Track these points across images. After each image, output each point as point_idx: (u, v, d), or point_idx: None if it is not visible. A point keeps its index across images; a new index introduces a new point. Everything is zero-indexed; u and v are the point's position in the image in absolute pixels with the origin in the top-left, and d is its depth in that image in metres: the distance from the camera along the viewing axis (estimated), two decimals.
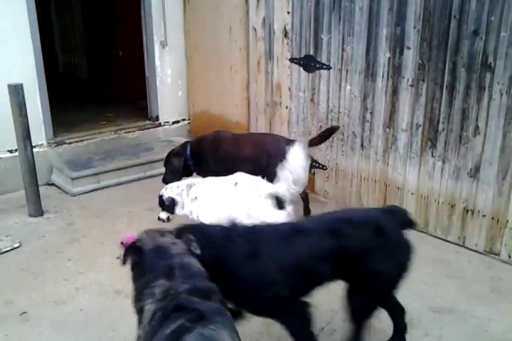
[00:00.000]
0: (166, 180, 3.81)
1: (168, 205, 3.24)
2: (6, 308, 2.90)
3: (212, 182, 3.28)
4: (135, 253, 1.91)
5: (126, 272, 3.19)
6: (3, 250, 3.49)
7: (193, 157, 3.91)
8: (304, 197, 3.89)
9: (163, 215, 3.32)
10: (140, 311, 1.71)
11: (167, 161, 4.01)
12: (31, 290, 3.07)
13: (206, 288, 1.72)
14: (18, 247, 3.55)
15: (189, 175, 3.97)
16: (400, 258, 2.26)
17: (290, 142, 3.49)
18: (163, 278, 1.73)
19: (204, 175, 3.69)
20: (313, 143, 3.69)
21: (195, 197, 3.19)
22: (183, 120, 5.69)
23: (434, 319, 2.83)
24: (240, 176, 3.19)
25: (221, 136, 3.95)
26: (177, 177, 3.85)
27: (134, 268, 1.94)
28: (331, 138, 4.21)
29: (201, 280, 1.76)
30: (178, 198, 3.23)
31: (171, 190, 3.26)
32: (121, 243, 3.55)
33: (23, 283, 3.14)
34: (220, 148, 3.82)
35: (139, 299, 1.76)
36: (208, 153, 3.84)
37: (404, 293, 3.01)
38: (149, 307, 1.65)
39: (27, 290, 3.07)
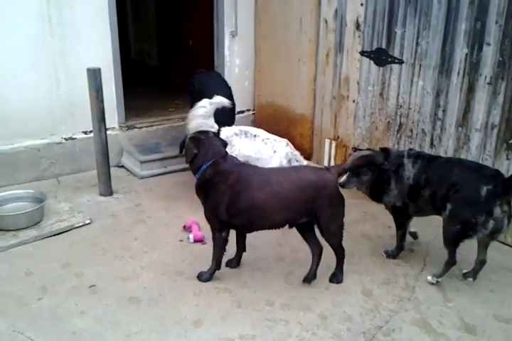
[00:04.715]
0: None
1: None
2: (76, 280, 3.09)
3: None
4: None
5: (187, 255, 3.34)
6: (76, 225, 3.70)
7: None
8: None
9: None
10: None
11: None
12: (100, 265, 3.24)
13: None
14: (89, 224, 3.75)
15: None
16: None
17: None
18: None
19: None
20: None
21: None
22: (248, 110, 5.74)
23: (499, 328, 2.72)
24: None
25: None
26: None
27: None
28: (398, 135, 4.15)
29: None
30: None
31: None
32: (184, 227, 3.70)
33: (92, 258, 3.32)
34: None
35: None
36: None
37: (469, 299, 2.94)
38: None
39: (96, 264, 3.25)
